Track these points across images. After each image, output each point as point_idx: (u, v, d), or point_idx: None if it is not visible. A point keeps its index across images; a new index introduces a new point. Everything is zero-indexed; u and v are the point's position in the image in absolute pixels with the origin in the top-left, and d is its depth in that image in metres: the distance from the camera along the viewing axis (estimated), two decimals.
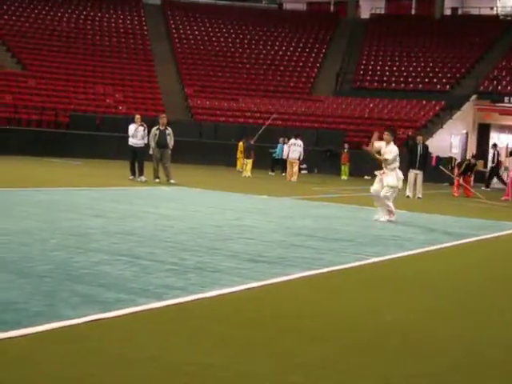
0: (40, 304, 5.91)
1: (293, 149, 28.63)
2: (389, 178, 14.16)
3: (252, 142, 29.66)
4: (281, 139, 31.57)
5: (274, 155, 31.89)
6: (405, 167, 23.83)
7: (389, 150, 14.21)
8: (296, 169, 28.73)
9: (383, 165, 14.37)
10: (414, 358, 5.27)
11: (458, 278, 8.98)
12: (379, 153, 14.36)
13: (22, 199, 14.06)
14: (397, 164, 14.37)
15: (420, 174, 23.24)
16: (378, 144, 14.52)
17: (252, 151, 29.24)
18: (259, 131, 30.69)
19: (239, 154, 32.30)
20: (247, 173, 28.61)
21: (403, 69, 44.56)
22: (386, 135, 14.34)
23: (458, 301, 7.62)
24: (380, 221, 14.11)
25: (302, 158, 28.94)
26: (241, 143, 31.88)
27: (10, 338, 5.00)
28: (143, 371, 4.56)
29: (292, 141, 28.96)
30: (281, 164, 31.22)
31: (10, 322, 5.31)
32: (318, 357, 5.15)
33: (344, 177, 32.50)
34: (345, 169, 32.87)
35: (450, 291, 8.03)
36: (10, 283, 6.58)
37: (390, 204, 14.22)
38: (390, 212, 14.24)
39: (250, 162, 28.91)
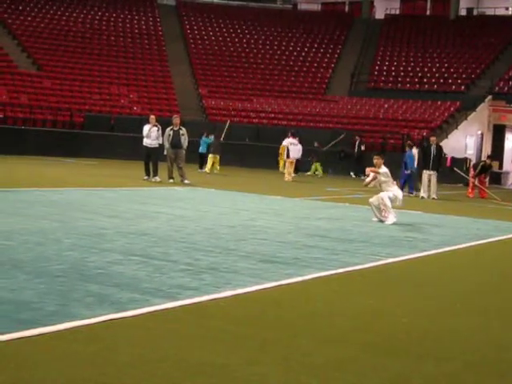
0: (54, 304, 5.93)
1: (292, 148, 28.35)
2: (385, 193, 14.16)
3: (221, 140, 29.83)
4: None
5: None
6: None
7: (381, 171, 14.30)
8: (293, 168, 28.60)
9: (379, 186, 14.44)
10: (430, 359, 5.25)
11: (473, 279, 8.94)
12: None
13: (38, 199, 14.12)
14: (390, 180, 14.35)
15: (434, 174, 23.16)
16: (371, 175, 14.60)
17: (219, 148, 29.15)
18: (224, 129, 30.98)
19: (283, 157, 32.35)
20: (215, 170, 28.52)
21: (418, 69, 44.42)
22: (377, 159, 14.52)
23: (472, 302, 7.59)
24: (386, 223, 13.95)
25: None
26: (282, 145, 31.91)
27: (25, 337, 5.03)
28: (157, 371, 4.56)
29: (290, 140, 28.70)
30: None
31: (25, 322, 5.34)
32: (332, 357, 5.14)
33: (315, 172, 32.86)
34: (316, 166, 32.92)
35: (465, 292, 8.00)
36: (25, 283, 6.61)
37: (390, 209, 14.10)
38: (387, 212, 14.08)
39: (216, 158, 28.75)
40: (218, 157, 28.87)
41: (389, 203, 13.98)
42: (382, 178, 14.29)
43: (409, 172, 23.97)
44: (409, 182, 24.09)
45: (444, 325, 6.38)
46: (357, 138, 34.27)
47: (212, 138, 29.66)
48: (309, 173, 32.70)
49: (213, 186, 21.09)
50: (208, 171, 28.41)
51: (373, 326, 6.15)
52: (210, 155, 28.82)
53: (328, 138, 34.97)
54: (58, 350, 4.84)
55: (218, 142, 29.39)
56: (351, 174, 33.23)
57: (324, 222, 13.56)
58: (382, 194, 14.07)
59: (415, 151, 25.01)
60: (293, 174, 28.10)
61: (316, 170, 33.02)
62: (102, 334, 5.28)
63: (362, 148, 33.78)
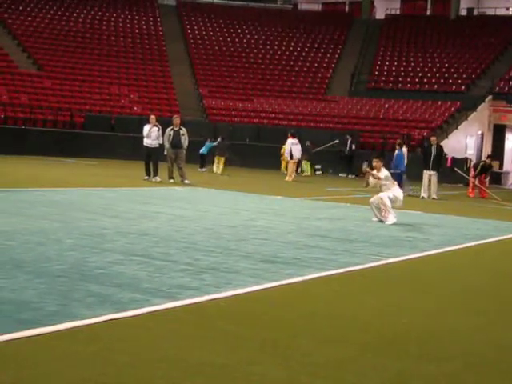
0: (55, 304, 5.93)
1: (294, 148, 28.39)
2: (385, 193, 14.15)
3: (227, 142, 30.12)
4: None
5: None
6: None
7: (382, 174, 14.27)
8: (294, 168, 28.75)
9: (380, 187, 14.44)
10: (430, 359, 5.26)
11: (474, 279, 8.94)
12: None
13: (39, 199, 14.12)
14: (390, 183, 14.36)
15: (434, 174, 23.16)
16: (372, 179, 14.57)
17: (225, 150, 29.41)
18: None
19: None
20: (219, 171, 28.75)
21: (418, 69, 44.42)
22: (376, 162, 14.46)
23: (472, 302, 7.59)
24: (386, 223, 13.98)
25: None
26: (285, 146, 31.68)
27: (26, 337, 5.03)
28: (157, 371, 4.57)
29: (291, 140, 28.71)
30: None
31: (25, 322, 5.34)
32: (332, 357, 5.15)
33: (315, 172, 33.37)
34: (306, 166, 33.01)
35: (465, 292, 8.01)
36: (26, 283, 6.62)
37: (390, 209, 14.12)
38: (387, 212, 14.09)
39: (221, 160, 28.98)
40: (223, 158, 29.01)
41: (389, 203, 13.99)
42: (383, 182, 14.29)
43: (398, 172, 23.77)
44: (400, 182, 23.89)
45: (444, 325, 6.39)
46: (348, 137, 34.35)
47: (219, 140, 29.82)
48: (307, 173, 32.72)
49: (213, 185, 21.09)
50: (220, 172, 28.61)
51: (373, 325, 6.15)
52: (216, 156, 29.00)
53: (327, 139, 35.00)
54: (58, 350, 4.84)
55: (224, 144, 29.54)
56: (349, 175, 33.35)
57: (324, 222, 13.56)
58: (381, 195, 14.08)
59: (405, 150, 24.87)
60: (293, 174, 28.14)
61: (314, 170, 33.23)
62: (103, 334, 5.28)
63: (353, 147, 33.97)
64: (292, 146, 28.26)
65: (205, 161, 30.45)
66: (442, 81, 42.74)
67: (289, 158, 28.45)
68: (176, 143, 22.05)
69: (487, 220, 16.61)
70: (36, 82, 38.95)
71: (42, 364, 4.56)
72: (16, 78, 38.15)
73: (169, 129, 22.28)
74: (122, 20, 48.21)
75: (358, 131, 37.05)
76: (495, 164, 34.38)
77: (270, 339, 5.46)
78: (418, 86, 42.81)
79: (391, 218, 13.90)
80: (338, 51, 47.73)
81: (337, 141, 34.39)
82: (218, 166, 29.04)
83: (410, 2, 57.08)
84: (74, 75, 40.40)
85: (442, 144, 26.93)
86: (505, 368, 5.26)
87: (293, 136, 28.78)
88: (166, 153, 22.16)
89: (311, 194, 21.03)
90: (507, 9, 52.15)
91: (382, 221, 14.01)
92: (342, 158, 34.72)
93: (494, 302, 7.66)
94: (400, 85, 43.40)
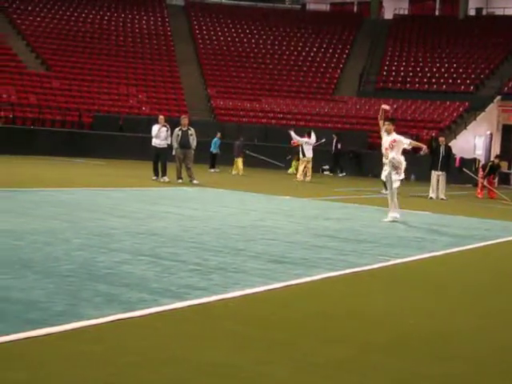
0: (63, 303, 5.94)
1: (307, 147, 28.31)
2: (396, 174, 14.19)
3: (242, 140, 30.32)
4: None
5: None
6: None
7: (399, 139, 14.17)
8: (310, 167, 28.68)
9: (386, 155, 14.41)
10: (434, 359, 5.24)
11: (482, 280, 8.91)
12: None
13: (47, 199, 14.15)
14: (397, 147, 14.39)
15: (442, 175, 23.11)
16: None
17: (242, 150, 29.72)
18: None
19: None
20: (239, 171, 28.98)
21: (427, 69, 44.32)
22: (387, 125, 14.35)
23: (480, 302, 7.56)
24: (384, 221, 14.07)
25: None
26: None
27: (34, 337, 5.03)
28: (165, 371, 4.57)
29: (306, 140, 28.63)
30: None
31: (33, 322, 5.35)
32: (338, 358, 5.14)
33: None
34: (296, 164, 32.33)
35: (473, 293, 7.98)
36: (34, 283, 6.62)
37: (395, 199, 14.23)
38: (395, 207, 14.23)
39: (240, 160, 29.17)
40: (241, 159, 29.17)
41: (395, 200, 14.10)
42: (394, 154, 14.17)
43: None
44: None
45: (451, 325, 6.37)
46: (334, 136, 34.33)
47: (238, 142, 30.01)
48: (290, 171, 32.42)
49: (221, 186, 21.10)
50: (233, 172, 28.89)
51: (379, 326, 6.13)
52: (239, 159, 29.16)
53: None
54: (64, 350, 4.84)
55: (240, 144, 29.69)
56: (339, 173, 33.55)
57: (333, 222, 13.54)
58: (395, 205, 14.13)
59: None
60: (300, 174, 28.06)
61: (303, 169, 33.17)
62: (110, 334, 5.28)
63: (339, 146, 33.99)
64: (305, 146, 28.16)
65: (215, 160, 30.49)
66: (450, 81, 42.64)
67: (301, 156, 28.38)
68: (184, 143, 22.07)
69: (496, 221, 16.56)
70: (44, 83, 39.06)
71: (48, 364, 4.57)
72: (25, 79, 38.27)
73: (177, 129, 22.30)
74: (131, 20, 48.29)
75: (366, 131, 36.97)
76: (503, 164, 34.28)
77: (278, 339, 5.45)
78: (426, 86, 42.73)
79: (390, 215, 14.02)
80: (347, 51, 47.68)
81: (323, 140, 34.24)
82: (237, 167, 29.18)
83: (419, 2, 56.97)
84: (82, 75, 40.50)
85: (450, 144, 26.88)
86: (505, 368, 5.23)
87: (308, 135, 28.78)
88: (174, 153, 22.18)
89: (319, 194, 21.01)
90: None
91: (392, 220, 14.04)
92: (350, 159, 34.73)
93: (502, 303, 7.63)
94: (408, 85, 43.31)
